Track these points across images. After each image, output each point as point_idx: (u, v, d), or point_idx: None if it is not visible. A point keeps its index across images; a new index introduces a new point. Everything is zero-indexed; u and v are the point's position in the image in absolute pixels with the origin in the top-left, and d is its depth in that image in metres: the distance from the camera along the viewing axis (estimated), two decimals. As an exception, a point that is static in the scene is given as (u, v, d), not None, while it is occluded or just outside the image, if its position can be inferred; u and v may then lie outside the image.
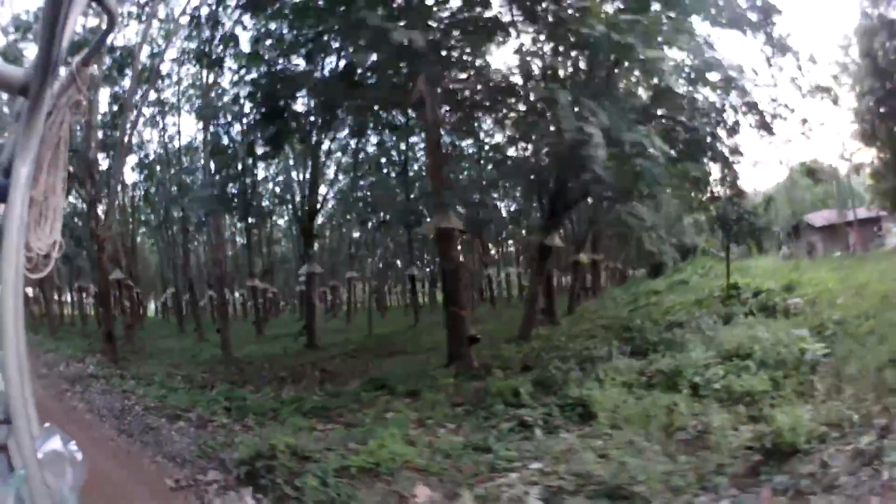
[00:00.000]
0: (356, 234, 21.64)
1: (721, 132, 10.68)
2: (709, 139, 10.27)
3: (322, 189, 16.61)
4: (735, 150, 13.15)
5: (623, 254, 29.81)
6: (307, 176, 15.37)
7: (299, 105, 11.37)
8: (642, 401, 6.03)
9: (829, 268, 19.88)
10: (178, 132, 16.44)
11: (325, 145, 15.15)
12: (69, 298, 28.40)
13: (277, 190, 19.76)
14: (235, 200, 12.60)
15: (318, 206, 15.86)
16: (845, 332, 8.14)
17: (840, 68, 29.49)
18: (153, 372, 11.09)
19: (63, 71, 1.18)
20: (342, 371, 10.24)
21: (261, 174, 18.28)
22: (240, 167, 12.58)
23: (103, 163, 15.98)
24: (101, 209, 14.28)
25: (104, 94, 15.51)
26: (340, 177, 17.98)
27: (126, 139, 16.00)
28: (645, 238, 12.94)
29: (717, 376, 6.72)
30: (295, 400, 7.78)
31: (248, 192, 13.30)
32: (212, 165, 13.08)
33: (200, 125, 12.01)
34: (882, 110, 28.55)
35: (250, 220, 17.71)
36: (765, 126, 13.21)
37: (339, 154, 16.80)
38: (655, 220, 9.11)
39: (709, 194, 15.42)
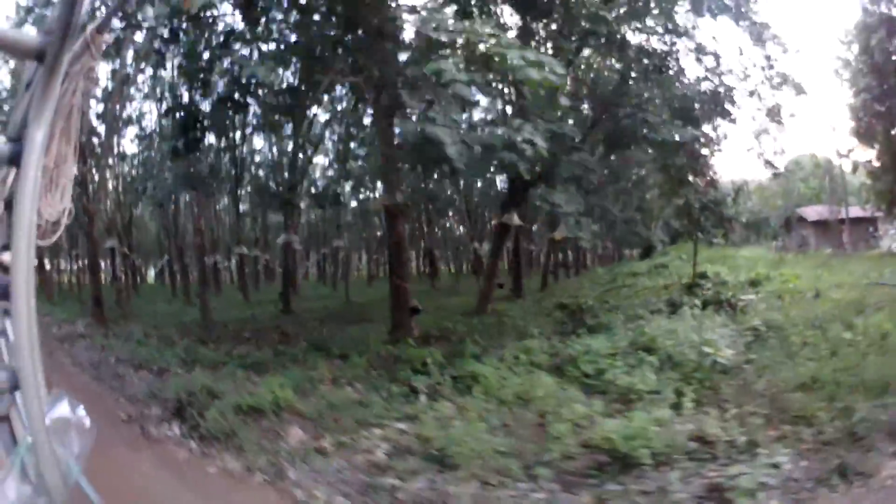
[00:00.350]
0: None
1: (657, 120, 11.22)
2: (645, 129, 10.91)
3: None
4: (701, 140, 13.80)
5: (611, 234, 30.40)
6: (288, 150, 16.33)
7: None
8: (524, 381, 6.53)
9: (812, 265, 20.61)
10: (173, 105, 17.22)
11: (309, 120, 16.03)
12: (67, 266, 30.06)
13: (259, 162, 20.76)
14: (204, 176, 13.30)
15: (300, 178, 16.86)
16: (781, 339, 8.02)
17: (843, 64, 29.83)
18: (134, 332, 12.40)
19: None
20: (299, 334, 11.39)
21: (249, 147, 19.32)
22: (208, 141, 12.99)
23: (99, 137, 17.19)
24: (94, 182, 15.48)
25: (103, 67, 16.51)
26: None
27: (120, 111, 17.11)
28: (563, 227, 13.66)
29: (611, 367, 6.88)
30: (241, 356, 9.01)
31: (217, 168, 14.22)
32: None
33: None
34: (878, 109, 28.75)
35: (240, 191, 18.83)
36: (723, 113, 13.84)
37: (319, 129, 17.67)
38: (579, 206, 9.77)
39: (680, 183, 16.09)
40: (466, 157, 7.04)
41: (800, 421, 5.03)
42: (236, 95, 10.91)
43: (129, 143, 30.65)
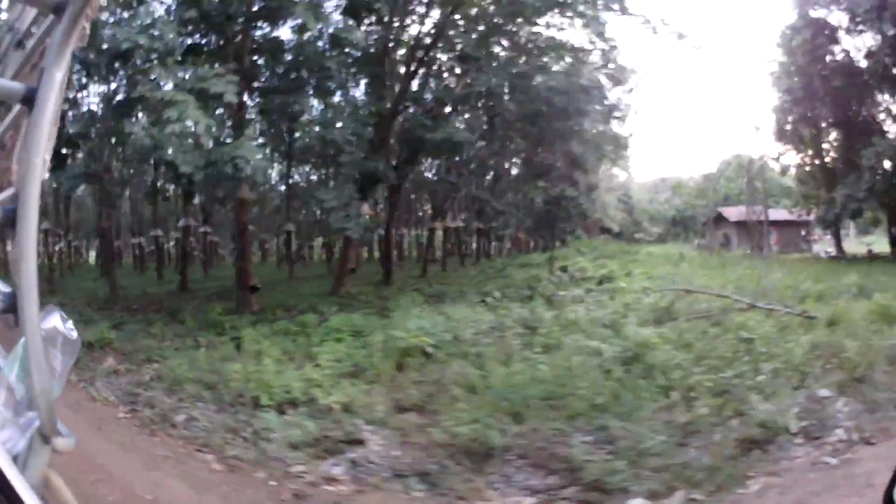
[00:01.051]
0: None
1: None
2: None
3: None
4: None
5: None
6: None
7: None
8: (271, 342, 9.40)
9: (702, 265, 22.70)
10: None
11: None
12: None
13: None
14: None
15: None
16: (520, 337, 9.35)
17: (778, 66, 30.31)
18: (46, 303, 15.55)
19: None
20: (176, 306, 14.64)
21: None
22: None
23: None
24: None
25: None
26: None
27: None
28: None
29: (325, 342, 8.95)
30: (110, 317, 12.31)
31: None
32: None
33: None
34: (800, 111, 29.74)
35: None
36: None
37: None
38: (346, 200, 13.01)
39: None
40: (193, 166, 10.16)
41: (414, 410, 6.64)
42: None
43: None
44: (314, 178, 21.98)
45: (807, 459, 5.47)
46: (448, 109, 16.29)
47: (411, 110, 15.62)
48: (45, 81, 1.16)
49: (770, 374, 7.24)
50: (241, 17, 11.94)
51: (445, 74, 17.50)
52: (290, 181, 20.31)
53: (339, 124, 13.72)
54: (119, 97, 12.09)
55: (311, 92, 14.03)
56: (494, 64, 15.81)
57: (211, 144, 11.50)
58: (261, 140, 17.50)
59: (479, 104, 16.63)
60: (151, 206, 22.47)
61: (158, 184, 21.22)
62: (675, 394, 6.66)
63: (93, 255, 34.77)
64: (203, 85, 10.14)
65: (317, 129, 14.48)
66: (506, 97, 16.55)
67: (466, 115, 17.78)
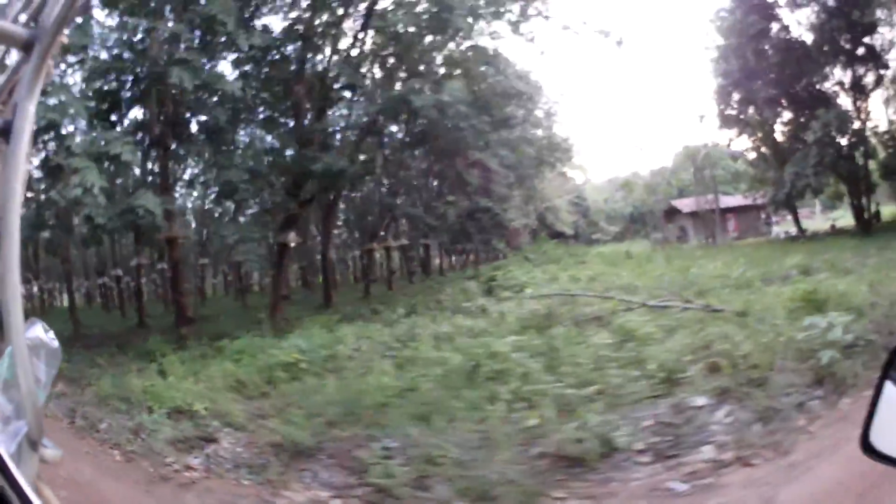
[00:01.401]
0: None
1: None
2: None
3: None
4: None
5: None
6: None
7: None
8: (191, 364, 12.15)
9: (651, 260, 24.67)
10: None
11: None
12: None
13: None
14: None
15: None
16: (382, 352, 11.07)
17: (716, 50, 30.57)
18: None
19: None
20: (127, 340, 17.13)
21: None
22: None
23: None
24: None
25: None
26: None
27: None
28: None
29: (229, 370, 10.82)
30: (68, 352, 14.68)
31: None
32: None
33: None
34: (739, 94, 29.79)
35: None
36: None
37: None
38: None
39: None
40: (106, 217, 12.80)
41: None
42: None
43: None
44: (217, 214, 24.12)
45: (646, 483, 5.08)
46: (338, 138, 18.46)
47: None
48: (19, 114, 1.27)
49: (632, 380, 7.03)
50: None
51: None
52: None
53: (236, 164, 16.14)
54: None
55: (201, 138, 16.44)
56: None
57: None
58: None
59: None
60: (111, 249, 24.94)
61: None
62: (501, 404, 6.70)
63: (66, 297, 37.11)
64: (106, 149, 12.76)
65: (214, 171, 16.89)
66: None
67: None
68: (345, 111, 19.49)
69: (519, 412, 6.56)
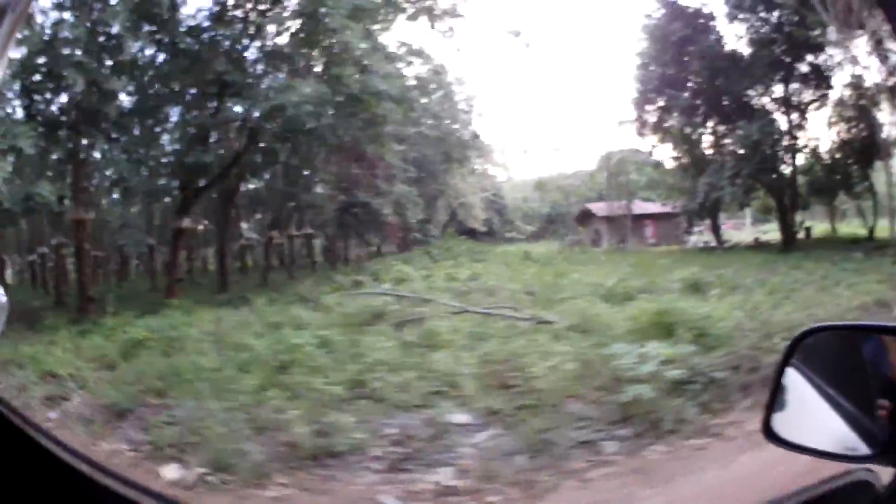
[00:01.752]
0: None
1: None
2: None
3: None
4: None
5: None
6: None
7: None
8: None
9: (545, 262, 25.07)
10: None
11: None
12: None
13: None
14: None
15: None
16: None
17: (639, 58, 30.20)
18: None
19: None
20: (39, 317, 20.52)
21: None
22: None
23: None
24: None
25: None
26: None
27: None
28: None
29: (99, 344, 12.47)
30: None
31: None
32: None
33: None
34: (656, 101, 29.63)
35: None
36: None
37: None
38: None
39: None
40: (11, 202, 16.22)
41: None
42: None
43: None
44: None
45: (364, 490, 5.04)
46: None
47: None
48: None
49: (404, 386, 6.93)
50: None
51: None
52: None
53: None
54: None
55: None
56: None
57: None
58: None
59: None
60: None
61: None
62: (277, 391, 7.26)
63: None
64: (13, 142, 15.59)
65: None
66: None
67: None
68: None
69: (290, 402, 6.95)
